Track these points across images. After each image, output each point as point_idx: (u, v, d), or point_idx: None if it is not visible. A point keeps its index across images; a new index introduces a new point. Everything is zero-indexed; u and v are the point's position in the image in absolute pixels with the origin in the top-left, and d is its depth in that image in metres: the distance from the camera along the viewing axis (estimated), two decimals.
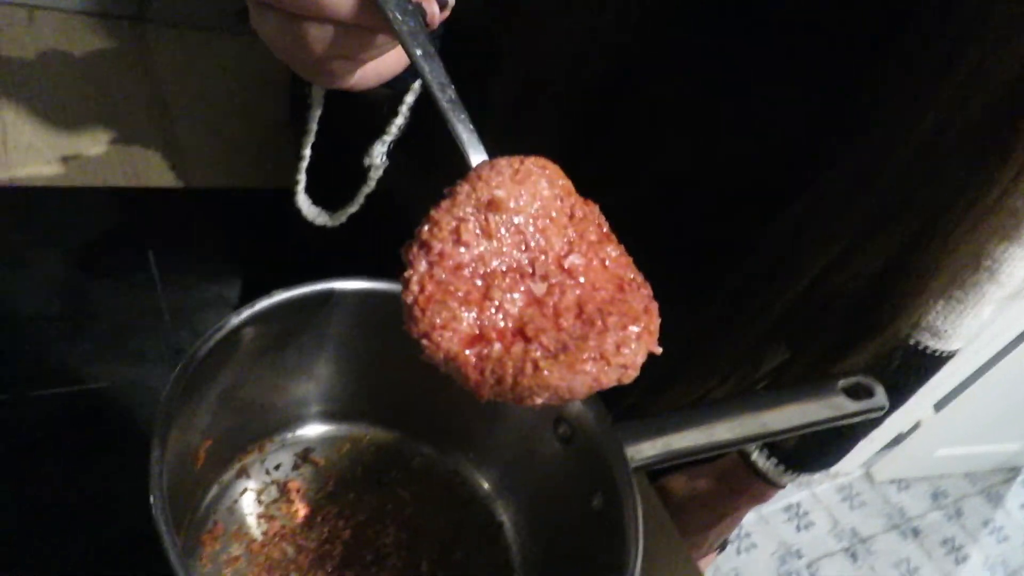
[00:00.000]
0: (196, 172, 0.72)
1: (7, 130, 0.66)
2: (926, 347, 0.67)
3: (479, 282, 0.34)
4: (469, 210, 0.34)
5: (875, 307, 0.60)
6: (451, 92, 0.36)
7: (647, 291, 0.37)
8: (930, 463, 2.39)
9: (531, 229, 0.36)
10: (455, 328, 0.33)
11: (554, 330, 0.34)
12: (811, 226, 0.56)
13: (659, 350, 0.35)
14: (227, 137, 0.76)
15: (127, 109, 0.73)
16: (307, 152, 0.56)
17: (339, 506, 0.55)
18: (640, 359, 0.34)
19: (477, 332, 0.34)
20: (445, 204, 0.35)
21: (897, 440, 2.30)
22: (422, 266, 0.34)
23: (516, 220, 0.35)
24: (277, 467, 0.55)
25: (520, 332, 0.34)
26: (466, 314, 0.33)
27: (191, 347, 0.43)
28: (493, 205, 0.35)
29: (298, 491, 0.55)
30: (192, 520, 0.49)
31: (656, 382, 0.68)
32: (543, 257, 0.35)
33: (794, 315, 0.61)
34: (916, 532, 2.23)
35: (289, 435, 0.57)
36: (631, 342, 0.34)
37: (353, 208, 0.60)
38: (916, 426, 2.27)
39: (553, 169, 0.37)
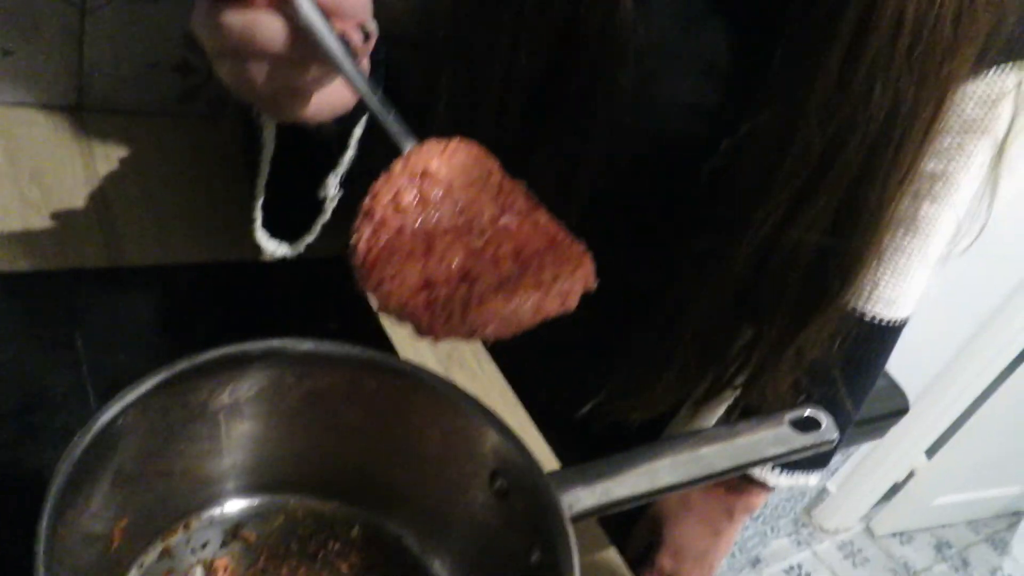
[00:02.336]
0: (131, 251, 0.71)
1: None
2: (877, 318, 0.72)
3: (421, 240, 0.38)
4: (405, 181, 0.39)
5: (824, 276, 0.61)
6: (380, 96, 0.41)
7: (580, 246, 0.40)
8: (930, 513, 2.34)
9: (465, 196, 0.40)
10: (403, 279, 0.37)
11: (495, 272, 0.38)
12: (748, 172, 0.58)
13: (594, 285, 0.39)
14: (162, 215, 0.75)
15: (62, 194, 0.73)
16: (261, 190, 0.59)
17: None
18: (578, 289, 0.38)
19: (423, 281, 0.37)
20: (383, 178, 0.39)
21: (894, 490, 2.26)
22: (367, 231, 0.38)
23: (450, 188, 0.40)
24: (204, 546, 0.53)
25: (464, 277, 0.38)
26: (412, 267, 0.37)
27: (84, 424, 0.41)
28: (426, 175, 0.39)
29: (226, 570, 0.52)
30: None
31: (629, 376, 0.68)
32: (478, 219, 0.39)
33: (752, 286, 0.62)
34: None
35: (217, 511, 0.54)
36: (567, 274, 0.38)
37: (311, 238, 0.63)
38: (911, 475, 2.23)
39: (480, 149, 0.42)
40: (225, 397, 0.49)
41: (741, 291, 0.62)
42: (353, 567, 0.55)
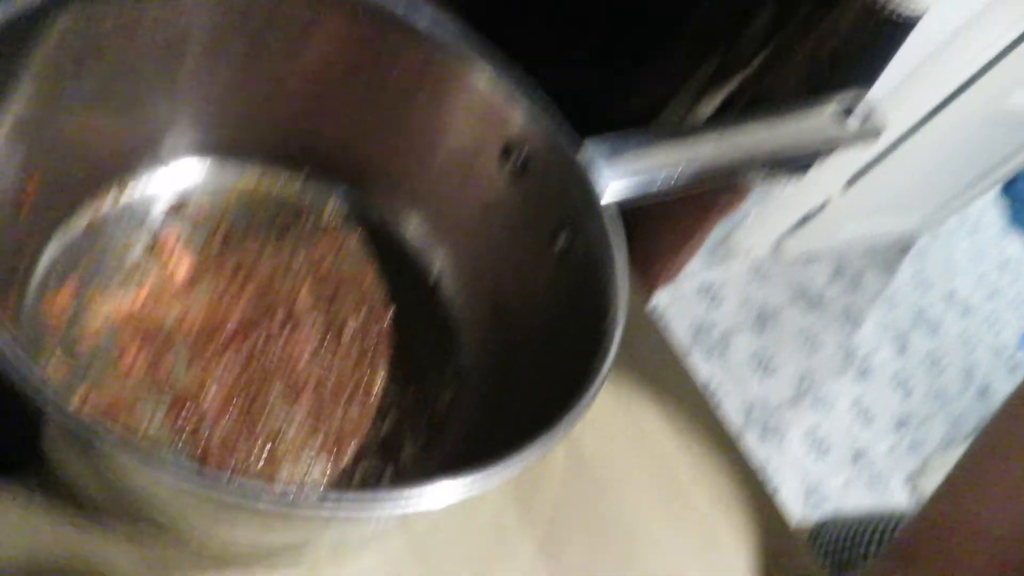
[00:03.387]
0: None
1: None
2: (896, 11, 0.63)
3: None
4: None
5: None
6: None
7: None
8: (835, 239, 2.46)
9: None
10: None
11: None
12: None
13: None
14: None
15: None
16: None
17: (233, 260, 0.43)
18: None
19: None
20: None
21: (807, 218, 2.34)
22: None
23: None
24: (145, 215, 0.42)
25: None
26: None
27: None
28: None
29: (176, 244, 0.42)
30: (27, 279, 0.37)
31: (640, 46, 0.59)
32: None
33: None
34: (818, 303, 2.33)
35: (157, 172, 0.43)
36: None
37: None
38: (825, 203, 2.30)
39: None
40: (168, 15, 0.36)
41: None
42: (331, 248, 0.46)
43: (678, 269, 0.83)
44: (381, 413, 0.42)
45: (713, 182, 0.45)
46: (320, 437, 0.40)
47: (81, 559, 0.34)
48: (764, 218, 2.30)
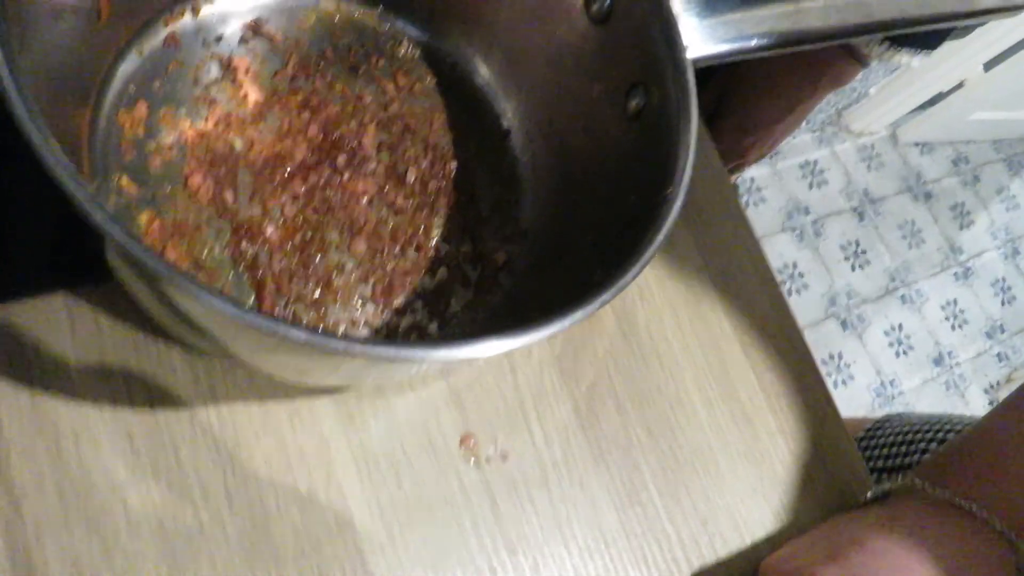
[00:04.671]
0: None
1: None
2: None
3: None
4: None
5: None
6: None
7: None
8: (960, 127, 2.27)
9: None
10: None
11: None
12: None
13: None
14: None
15: None
16: None
17: (303, 94, 0.43)
18: None
19: None
20: None
21: (934, 100, 2.15)
22: None
23: None
24: (218, 39, 0.42)
25: None
26: None
27: None
28: None
29: (247, 72, 0.42)
30: (102, 93, 0.37)
31: None
32: None
33: None
34: (928, 196, 2.19)
35: None
36: None
37: None
38: (959, 85, 2.10)
39: None
40: None
41: None
42: (401, 89, 0.45)
43: (775, 142, 0.78)
44: (433, 266, 0.42)
45: (820, 44, 0.41)
46: (372, 282, 0.41)
47: (146, 366, 0.36)
48: (885, 97, 2.12)
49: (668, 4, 0.37)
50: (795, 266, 1.96)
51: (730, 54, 0.39)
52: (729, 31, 0.38)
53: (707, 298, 0.50)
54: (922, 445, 0.68)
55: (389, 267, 0.42)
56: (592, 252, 0.39)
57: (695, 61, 0.37)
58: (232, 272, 0.39)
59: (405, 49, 0.46)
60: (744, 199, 1.97)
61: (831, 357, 1.90)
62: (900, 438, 0.71)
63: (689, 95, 0.35)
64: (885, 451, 0.72)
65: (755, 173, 2.01)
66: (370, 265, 0.41)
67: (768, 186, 2.00)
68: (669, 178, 0.34)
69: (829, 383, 1.85)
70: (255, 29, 0.43)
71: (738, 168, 0.83)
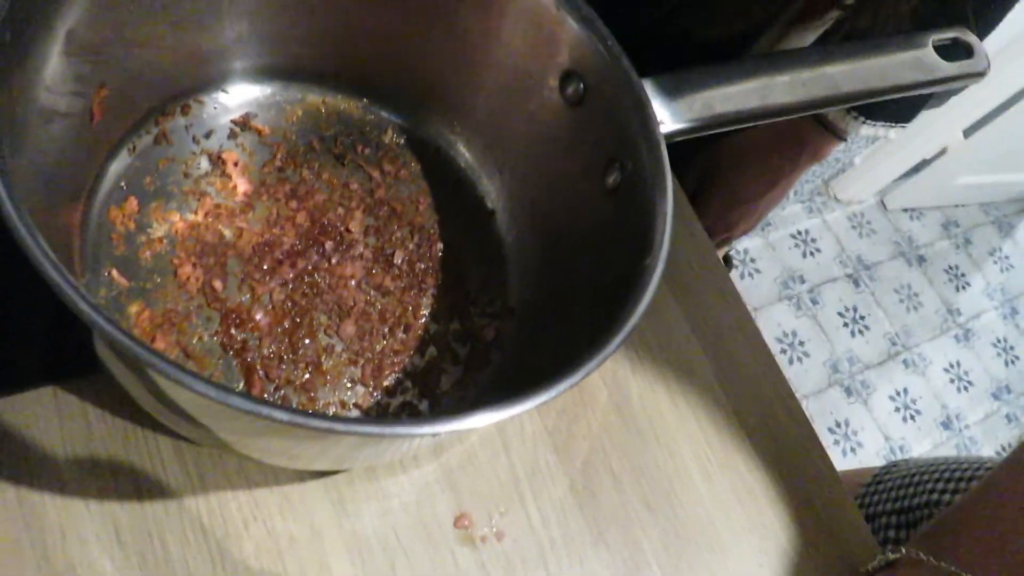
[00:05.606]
0: None
1: None
2: None
3: None
4: None
5: None
6: None
7: None
8: (947, 192, 2.31)
9: None
10: None
11: None
12: None
13: None
14: None
15: None
16: None
17: (290, 184, 0.44)
18: None
19: None
20: None
21: (919, 167, 2.19)
22: None
23: None
24: (208, 135, 0.43)
25: None
26: None
27: None
28: None
29: (236, 164, 0.43)
30: (94, 191, 0.39)
31: None
32: None
33: None
34: (921, 260, 2.21)
35: (222, 94, 0.44)
36: None
37: None
38: (942, 152, 2.15)
39: None
40: None
41: None
42: (387, 175, 0.46)
43: (761, 215, 0.79)
44: (422, 346, 0.43)
45: (790, 116, 0.43)
46: (361, 363, 0.41)
47: (134, 457, 0.36)
48: (871, 166, 2.17)
49: (640, 84, 0.38)
50: (795, 335, 1.96)
51: (701, 128, 0.40)
52: (699, 108, 0.40)
53: (700, 369, 0.50)
54: (929, 486, 0.66)
55: (378, 348, 0.42)
56: (579, 325, 0.39)
57: (668, 136, 0.39)
58: (222, 359, 0.39)
59: (390, 137, 0.47)
60: (739, 270, 1.98)
61: (838, 425, 1.88)
62: (908, 479, 0.69)
63: (663, 168, 0.36)
64: (894, 493, 0.69)
65: (748, 244, 2.03)
66: (359, 347, 0.41)
67: (762, 257, 2.02)
68: (648, 248, 0.34)
69: (837, 451, 1.82)
70: (244, 124, 0.44)
71: (726, 241, 0.84)
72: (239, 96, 0.45)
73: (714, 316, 0.53)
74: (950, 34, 0.47)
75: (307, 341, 0.40)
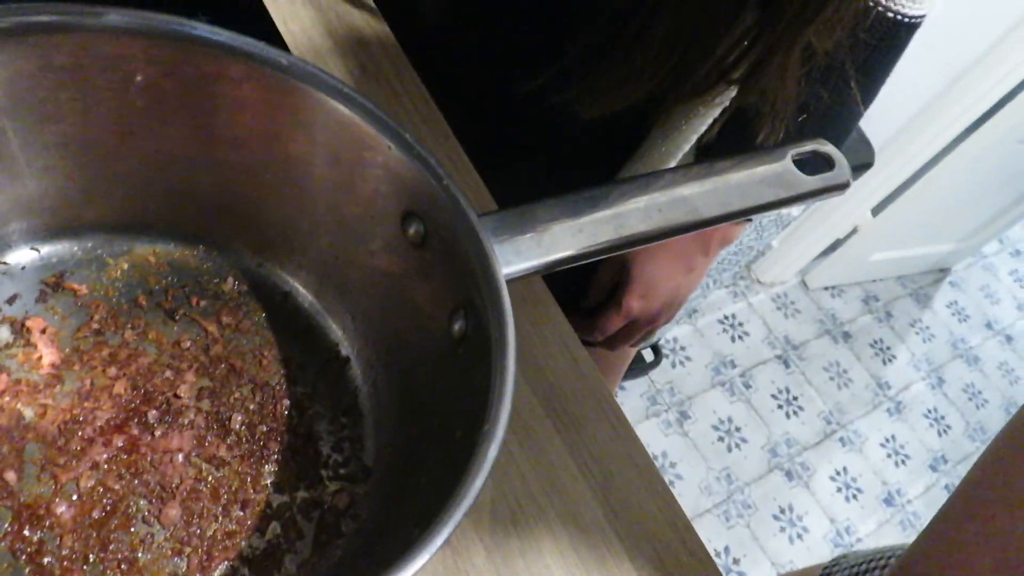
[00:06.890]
0: None
1: None
2: (897, 13, 0.60)
3: None
4: None
5: None
6: None
7: None
8: (864, 268, 2.37)
9: None
10: None
11: None
12: None
13: None
14: None
15: None
16: None
17: (109, 348, 0.39)
18: None
19: None
20: None
21: (834, 247, 2.26)
22: None
23: None
24: (12, 299, 0.39)
25: None
26: None
27: None
28: None
29: (44, 331, 0.39)
30: None
31: (591, 47, 0.53)
32: None
33: None
34: (847, 336, 2.24)
35: (27, 255, 0.40)
36: None
37: None
38: (853, 231, 2.22)
39: None
40: (31, 96, 0.32)
41: None
42: (226, 328, 0.42)
43: (681, 302, 0.78)
44: (263, 523, 0.38)
45: (641, 246, 0.40)
46: (187, 553, 0.36)
47: None
48: (788, 247, 2.22)
49: (478, 224, 0.36)
50: (730, 421, 1.94)
51: (553, 266, 0.37)
52: (548, 244, 0.37)
53: (587, 512, 0.46)
54: (878, 573, 0.64)
55: (209, 532, 0.37)
56: (437, 487, 0.35)
57: (513, 277, 0.36)
58: (10, 568, 0.33)
59: (231, 285, 0.44)
60: (669, 359, 1.97)
61: (782, 511, 1.84)
62: (855, 570, 0.66)
63: (504, 317, 0.33)
64: None
65: (677, 333, 2.03)
66: (185, 534, 0.36)
67: (691, 344, 2.02)
68: (485, 412, 0.31)
69: (784, 539, 1.77)
70: (56, 284, 0.40)
71: (650, 333, 0.83)
72: (52, 254, 0.40)
73: (600, 447, 0.49)
74: (809, 147, 0.46)
75: (120, 535, 0.35)
